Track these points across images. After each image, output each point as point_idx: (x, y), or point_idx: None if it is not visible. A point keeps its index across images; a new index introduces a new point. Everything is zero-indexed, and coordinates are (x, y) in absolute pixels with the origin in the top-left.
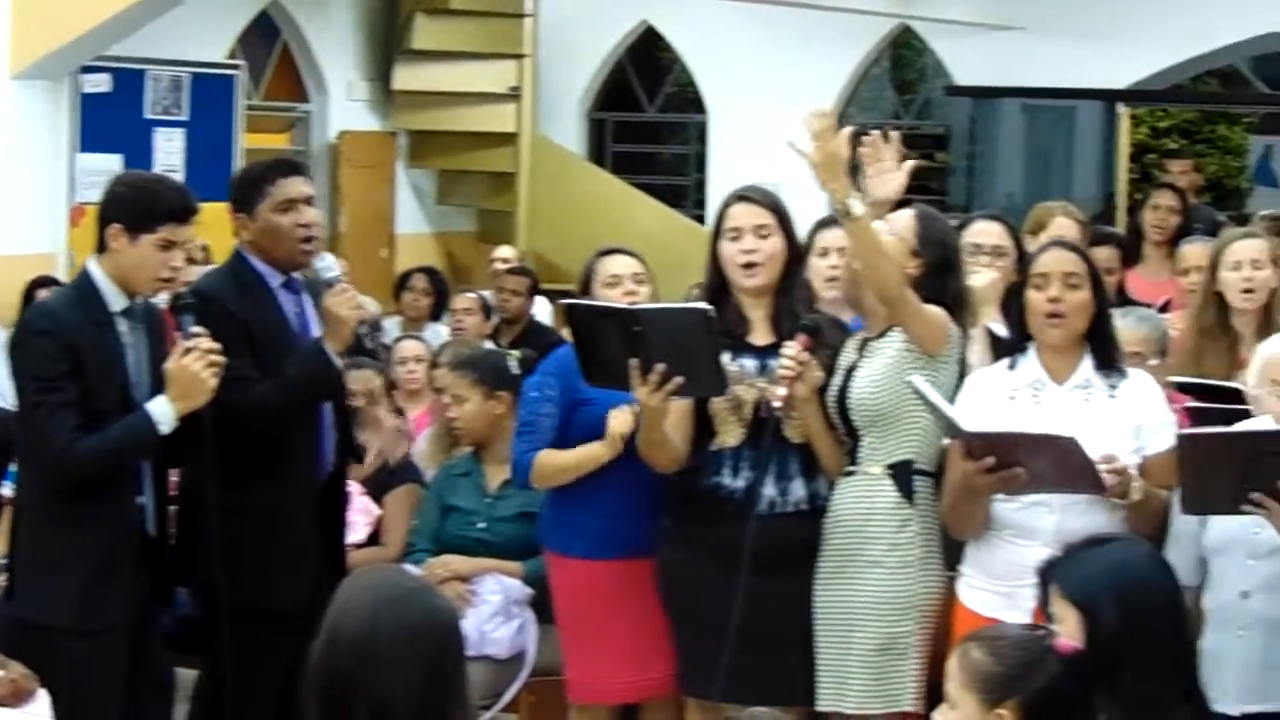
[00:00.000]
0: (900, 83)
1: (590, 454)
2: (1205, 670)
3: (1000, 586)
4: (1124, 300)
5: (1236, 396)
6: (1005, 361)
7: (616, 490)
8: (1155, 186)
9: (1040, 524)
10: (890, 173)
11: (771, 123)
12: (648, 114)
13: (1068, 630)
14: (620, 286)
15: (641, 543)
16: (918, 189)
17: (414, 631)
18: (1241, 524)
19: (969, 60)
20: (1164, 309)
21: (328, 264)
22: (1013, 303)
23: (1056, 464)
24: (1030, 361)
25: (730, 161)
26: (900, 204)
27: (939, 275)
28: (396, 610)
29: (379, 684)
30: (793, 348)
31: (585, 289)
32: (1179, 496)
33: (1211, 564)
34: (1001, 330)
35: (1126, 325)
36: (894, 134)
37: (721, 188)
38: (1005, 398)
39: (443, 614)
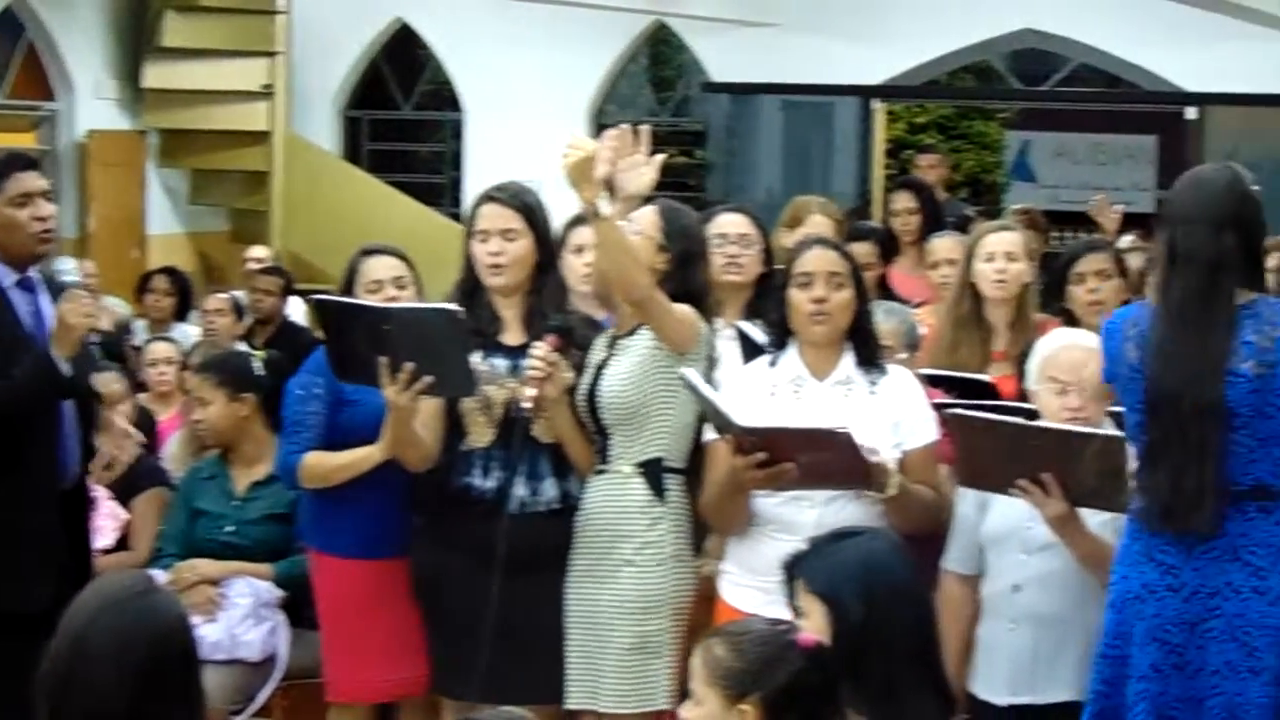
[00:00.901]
0: (658, 80)
1: (363, 456)
2: (977, 659)
3: (762, 582)
4: (887, 296)
5: (987, 389)
6: (766, 358)
7: (377, 490)
8: (892, 188)
9: (801, 518)
10: (640, 167)
11: (529, 120)
12: (403, 112)
13: (814, 624)
14: (381, 293)
15: (401, 543)
16: (676, 186)
17: (127, 633)
18: (1018, 517)
19: (726, 57)
20: (919, 305)
21: (67, 267)
22: (765, 298)
23: (829, 458)
24: (791, 358)
25: (487, 159)
26: (649, 200)
27: (685, 269)
28: (115, 612)
29: (92, 684)
30: (541, 349)
31: (348, 289)
32: (955, 469)
33: (988, 555)
34: (753, 331)
35: (875, 318)
36: (643, 129)
37: (478, 185)
38: (766, 394)
39: (162, 616)
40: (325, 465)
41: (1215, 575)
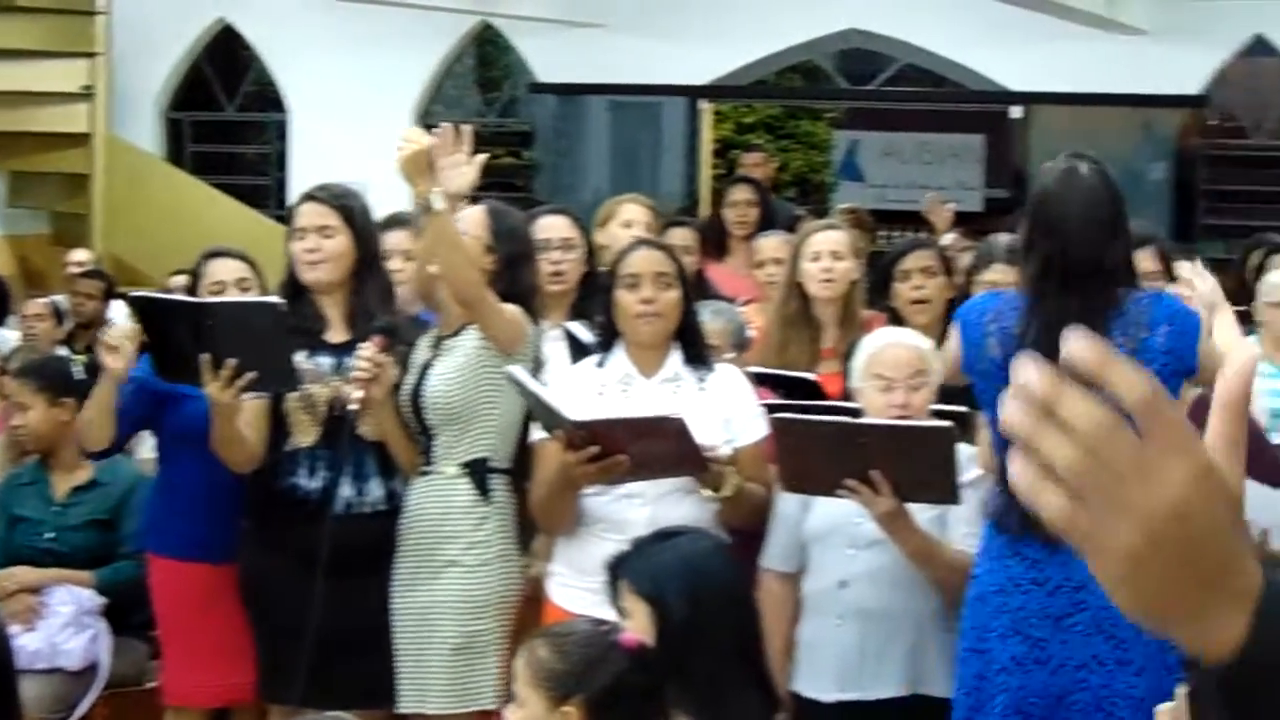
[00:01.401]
0: (484, 80)
1: (101, 391)
2: (801, 658)
3: (591, 583)
4: (703, 291)
5: (813, 387)
6: (593, 359)
7: (211, 492)
8: (731, 181)
9: (633, 516)
10: (462, 166)
11: (354, 121)
12: (226, 113)
13: (638, 625)
14: (224, 294)
15: (235, 546)
16: (504, 187)
17: None
18: (844, 513)
19: (553, 58)
20: (746, 304)
21: None
22: (590, 299)
23: (662, 447)
24: (618, 357)
25: (311, 161)
26: (475, 201)
27: (513, 269)
28: None
29: None
30: (368, 349)
31: (192, 291)
32: (778, 475)
33: (811, 552)
34: (580, 331)
35: (704, 319)
36: (465, 128)
37: (303, 187)
38: (594, 393)
39: None
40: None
41: (1080, 569)
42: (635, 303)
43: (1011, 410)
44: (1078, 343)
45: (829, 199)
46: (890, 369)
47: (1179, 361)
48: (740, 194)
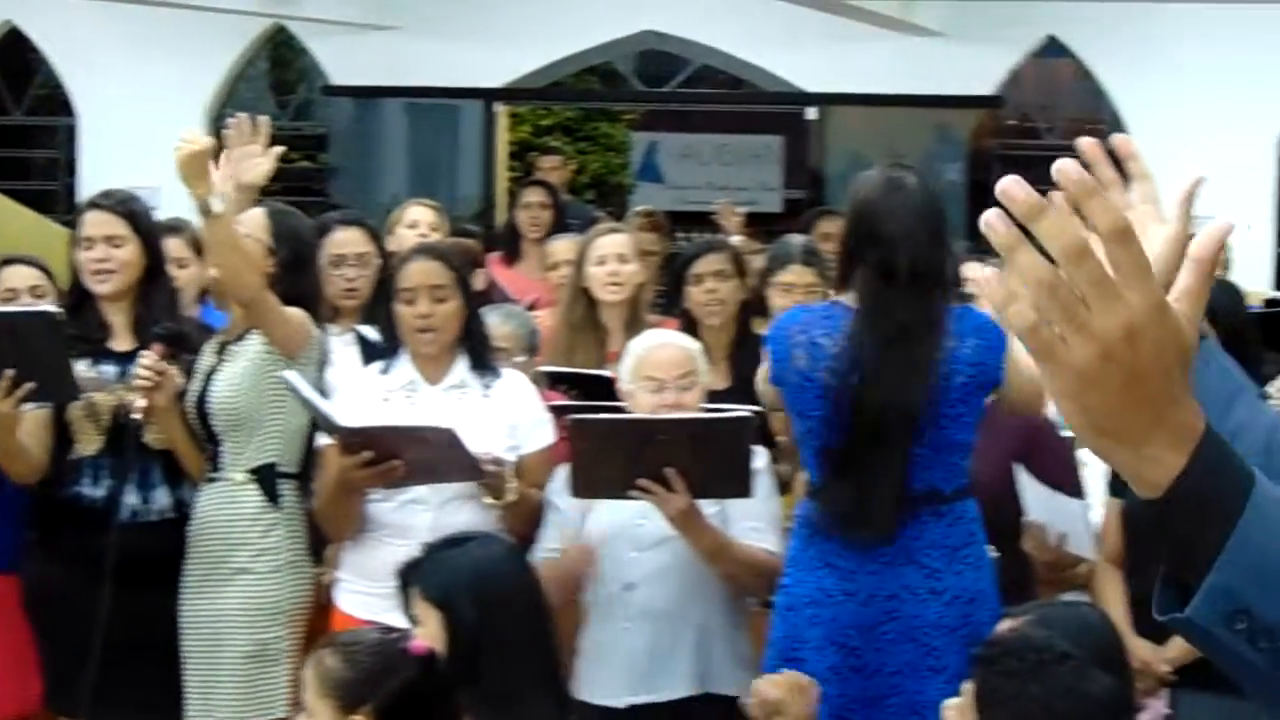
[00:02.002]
0: (279, 83)
1: None
2: (589, 664)
3: (378, 588)
4: (495, 297)
5: (608, 385)
6: (378, 365)
7: None
8: (524, 184)
9: (416, 522)
10: (256, 158)
11: (145, 125)
12: (14, 117)
13: (429, 632)
14: (16, 302)
15: (17, 557)
16: (300, 190)
17: None
18: (626, 516)
19: (347, 60)
20: (532, 307)
21: None
22: (380, 308)
23: (435, 454)
24: (403, 364)
25: (102, 165)
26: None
27: (294, 272)
28: None
29: None
30: (149, 357)
31: None
32: (569, 481)
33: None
34: (373, 334)
35: (494, 322)
36: (262, 119)
37: (93, 192)
38: (379, 400)
39: None
40: None
41: (892, 579)
42: (412, 316)
43: (993, 220)
44: (1069, 166)
45: (628, 201)
46: (660, 370)
47: (984, 374)
48: (532, 196)
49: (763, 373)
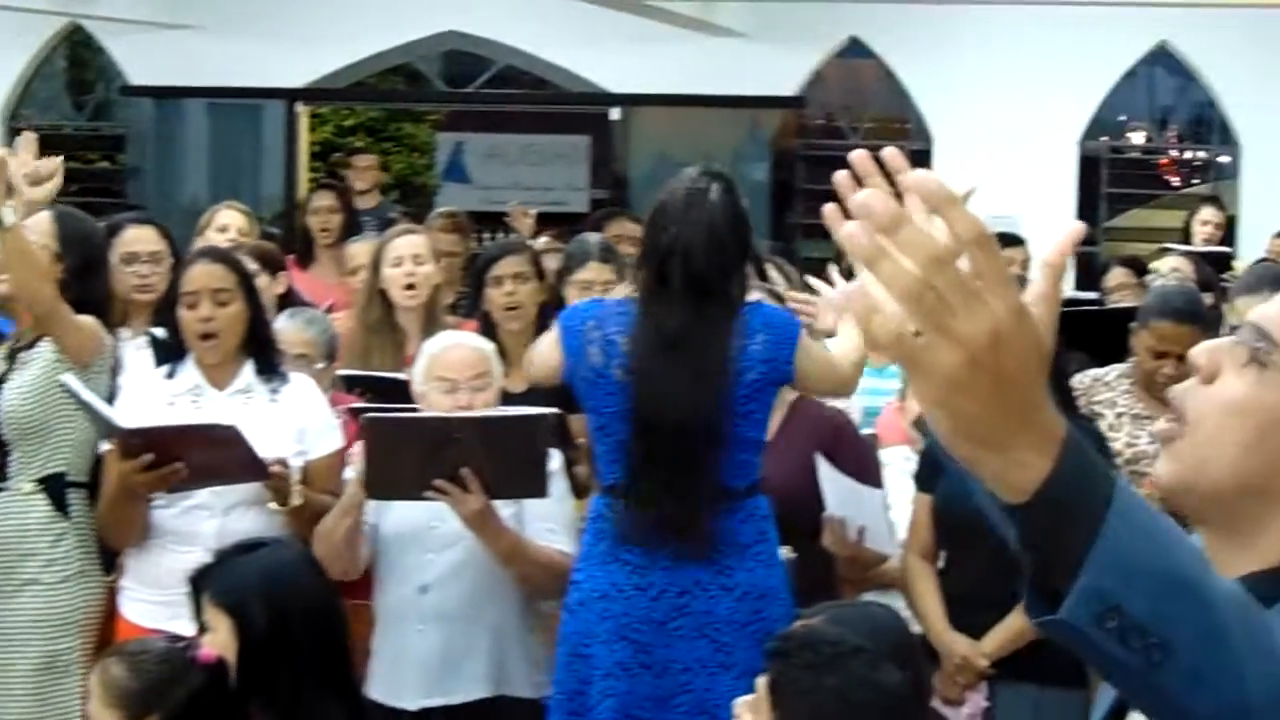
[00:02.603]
0: (76, 83)
1: None
2: (382, 666)
3: (163, 596)
4: (293, 301)
5: (403, 388)
6: (164, 369)
7: None
8: (314, 189)
9: (201, 528)
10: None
11: None
12: None
13: (220, 639)
14: None
15: None
16: (99, 191)
17: None
18: (421, 518)
19: (146, 60)
20: (330, 310)
21: None
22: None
23: (218, 455)
24: (189, 369)
25: None
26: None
27: (84, 278)
28: None
29: None
30: None
31: None
32: (364, 481)
33: (389, 559)
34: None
35: (293, 327)
36: (29, 134)
37: None
38: (164, 404)
39: None
40: None
41: (683, 575)
42: (194, 321)
43: (854, 230)
44: (922, 175)
45: (434, 202)
46: (452, 370)
47: (775, 369)
48: (321, 200)
49: (534, 360)
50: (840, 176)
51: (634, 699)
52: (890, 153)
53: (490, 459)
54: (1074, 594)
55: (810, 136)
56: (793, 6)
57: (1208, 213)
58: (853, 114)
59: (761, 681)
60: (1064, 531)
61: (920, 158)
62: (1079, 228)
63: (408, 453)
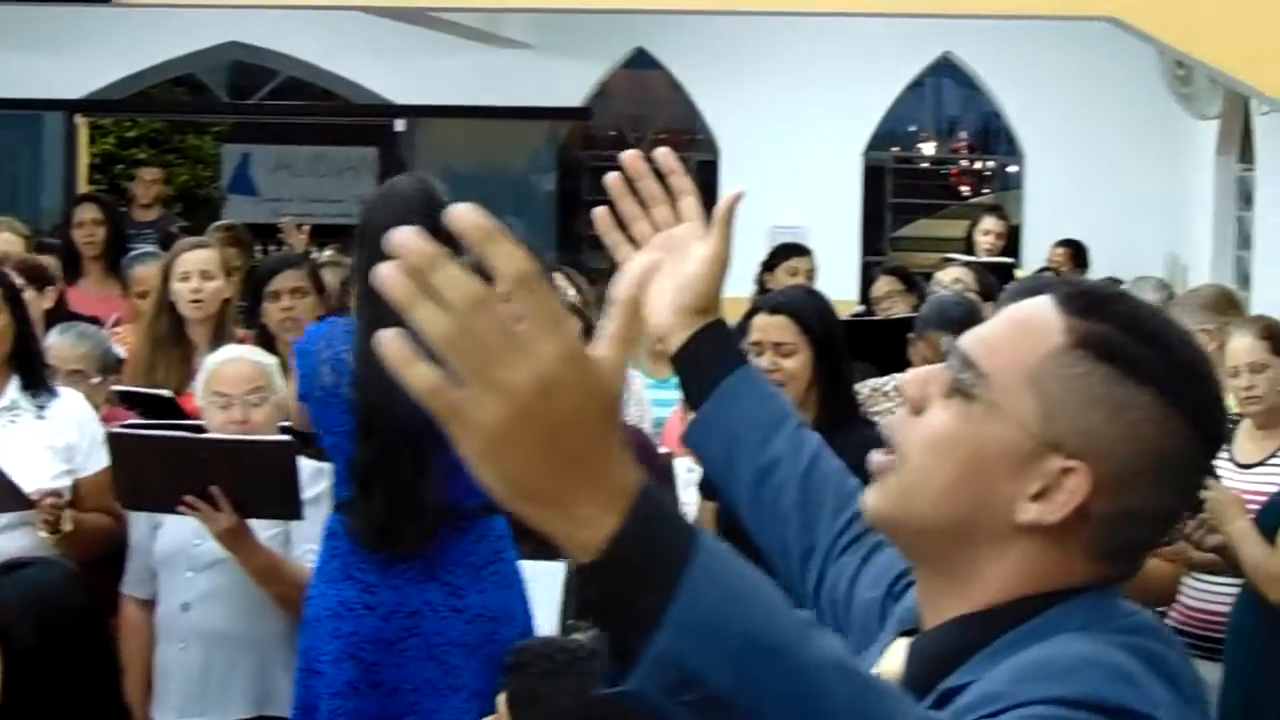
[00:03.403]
0: None
1: None
2: (156, 683)
3: None
4: (68, 315)
5: (170, 404)
6: None
7: None
8: (76, 202)
9: None
10: None
11: None
12: None
13: None
14: None
15: None
16: None
17: None
18: (187, 536)
19: None
20: (117, 324)
21: None
22: None
23: None
24: None
25: None
26: None
27: None
28: None
29: None
30: None
31: None
32: (115, 490)
33: (160, 576)
34: None
35: (65, 342)
36: None
37: None
38: None
39: None
40: None
41: (414, 594)
42: None
43: (388, 275)
44: (462, 211)
45: (219, 214)
46: (229, 385)
47: None
48: (85, 214)
49: (290, 392)
50: (612, 178)
51: (362, 718)
52: (663, 153)
53: (238, 479)
54: (645, 661)
55: (598, 147)
56: (578, 18)
57: (990, 222)
58: (640, 125)
59: (501, 698)
60: (637, 594)
61: (707, 169)
62: (650, 260)
63: (154, 469)
